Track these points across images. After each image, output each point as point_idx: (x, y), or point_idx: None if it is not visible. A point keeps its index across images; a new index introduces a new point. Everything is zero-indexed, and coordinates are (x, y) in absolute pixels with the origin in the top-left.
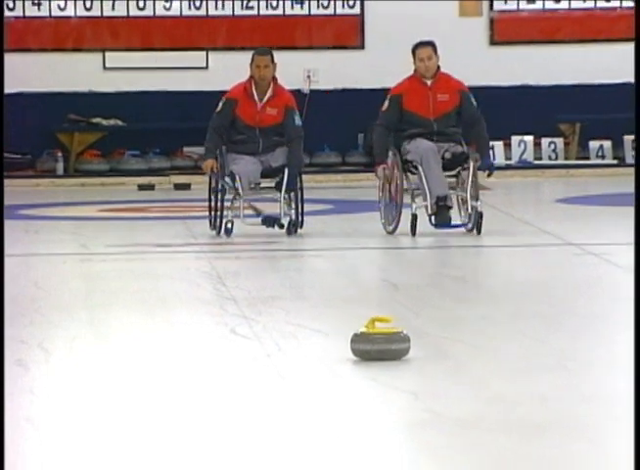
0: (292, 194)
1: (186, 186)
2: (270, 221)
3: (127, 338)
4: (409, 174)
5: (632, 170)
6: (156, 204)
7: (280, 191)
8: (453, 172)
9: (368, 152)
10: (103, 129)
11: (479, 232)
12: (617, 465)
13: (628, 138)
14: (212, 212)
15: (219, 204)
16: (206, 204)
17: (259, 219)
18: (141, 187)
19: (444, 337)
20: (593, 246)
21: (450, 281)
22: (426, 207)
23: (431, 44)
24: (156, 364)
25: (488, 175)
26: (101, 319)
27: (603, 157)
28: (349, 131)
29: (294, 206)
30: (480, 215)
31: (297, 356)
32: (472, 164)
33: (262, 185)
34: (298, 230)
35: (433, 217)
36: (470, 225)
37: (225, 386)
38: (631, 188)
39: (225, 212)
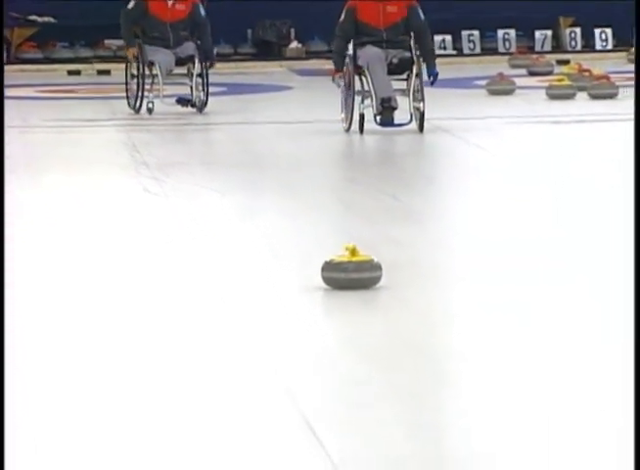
0: (198, 78)
1: (107, 72)
2: (184, 102)
3: (60, 194)
4: (363, 78)
5: (469, 59)
6: (82, 86)
7: (190, 77)
8: (403, 76)
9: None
10: (38, 25)
11: (421, 130)
12: (455, 293)
13: (465, 33)
14: (135, 94)
15: (141, 87)
16: (124, 87)
17: (174, 100)
18: (70, 73)
19: (313, 194)
20: (439, 120)
21: (323, 152)
22: (372, 107)
23: None
24: (82, 213)
25: (432, 83)
26: (39, 179)
27: (444, 48)
28: (240, 27)
29: (201, 88)
30: (422, 115)
31: (199, 210)
32: (415, 69)
33: (175, 72)
34: (204, 109)
35: (378, 117)
36: (413, 123)
37: (138, 233)
38: (467, 73)
39: (146, 94)
